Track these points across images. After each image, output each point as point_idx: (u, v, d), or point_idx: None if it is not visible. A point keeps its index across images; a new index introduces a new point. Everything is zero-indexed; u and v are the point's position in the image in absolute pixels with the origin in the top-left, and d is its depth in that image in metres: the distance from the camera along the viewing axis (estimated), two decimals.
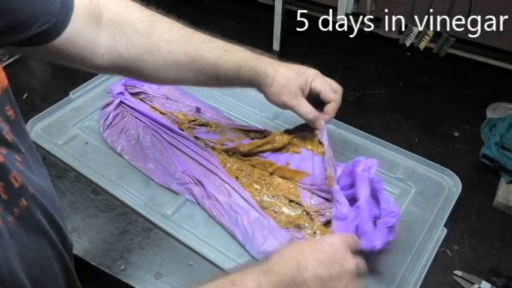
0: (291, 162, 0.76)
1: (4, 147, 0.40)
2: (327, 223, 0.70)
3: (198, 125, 0.86)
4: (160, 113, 0.88)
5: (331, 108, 0.72)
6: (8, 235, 0.39)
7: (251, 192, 0.74)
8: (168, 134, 0.83)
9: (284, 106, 0.71)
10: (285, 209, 0.72)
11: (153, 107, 0.89)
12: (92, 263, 0.67)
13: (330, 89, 0.72)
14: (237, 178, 0.76)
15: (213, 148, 0.82)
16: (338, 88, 0.73)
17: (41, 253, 0.44)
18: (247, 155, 0.79)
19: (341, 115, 0.90)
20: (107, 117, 0.86)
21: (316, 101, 0.73)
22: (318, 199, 0.73)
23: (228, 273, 0.47)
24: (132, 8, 0.63)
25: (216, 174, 0.76)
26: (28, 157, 0.45)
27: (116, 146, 0.83)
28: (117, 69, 0.63)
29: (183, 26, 0.68)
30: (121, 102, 0.89)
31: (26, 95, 0.97)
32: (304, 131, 0.76)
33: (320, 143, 0.73)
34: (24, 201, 0.41)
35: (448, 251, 0.70)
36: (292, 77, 0.69)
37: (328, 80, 0.73)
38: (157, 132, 0.84)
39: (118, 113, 0.88)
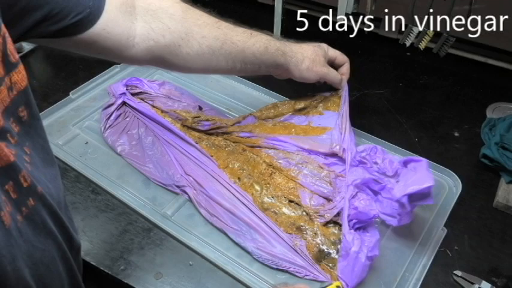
0: (313, 121, 0.82)
1: (13, 147, 0.41)
2: (327, 223, 0.70)
3: (202, 120, 0.86)
4: (162, 112, 0.88)
5: (346, 68, 0.85)
6: (17, 234, 0.39)
7: (252, 194, 0.74)
8: (169, 136, 0.83)
9: (317, 76, 0.80)
10: (285, 210, 0.72)
11: (154, 107, 0.89)
12: (92, 263, 0.68)
13: (340, 53, 0.84)
14: (238, 179, 0.76)
15: (221, 134, 0.84)
16: (342, 54, 0.85)
17: (46, 253, 0.44)
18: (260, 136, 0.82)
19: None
20: (109, 117, 0.86)
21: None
22: (317, 199, 0.73)
23: None
24: None
25: (215, 178, 0.76)
26: (38, 157, 0.45)
27: (116, 146, 0.83)
28: (153, 57, 0.64)
29: (208, 13, 0.71)
30: (124, 102, 0.89)
31: None
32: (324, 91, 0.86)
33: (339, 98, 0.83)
34: (32, 201, 0.42)
35: (448, 251, 0.70)
36: (316, 50, 0.78)
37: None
38: (158, 134, 0.84)
39: (120, 113, 0.88)
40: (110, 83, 0.98)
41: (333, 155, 0.78)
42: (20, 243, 0.39)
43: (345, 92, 0.84)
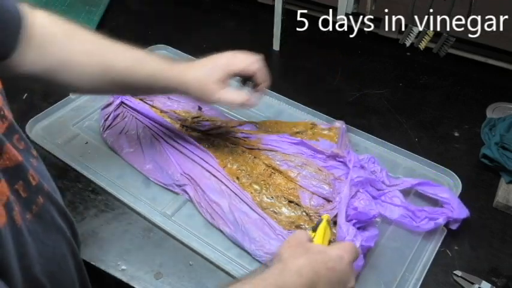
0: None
1: (21, 146, 0.42)
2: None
3: (202, 121, 0.86)
4: (161, 112, 0.88)
5: (259, 77, 0.72)
6: (27, 233, 0.40)
7: (251, 193, 0.74)
8: (168, 135, 0.83)
9: (212, 103, 0.75)
10: (284, 210, 0.72)
11: (153, 107, 0.89)
12: (92, 263, 0.67)
13: (250, 63, 0.71)
14: (237, 178, 0.76)
15: (220, 134, 0.83)
16: (254, 57, 0.72)
17: (57, 249, 0.45)
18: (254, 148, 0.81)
19: (341, 115, 0.91)
20: (107, 117, 0.86)
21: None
22: (317, 200, 0.73)
23: (238, 283, 0.47)
24: (53, 21, 0.64)
25: (215, 176, 0.76)
26: (39, 157, 0.46)
27: (116, 147, 0.83)
28: (35, 79, 0.64)
29: (102, 37, 0.69)
30: (122, 102, 0.89)
31: (26, 95, 0.97)
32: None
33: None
34: (41, 198, 0.43)
35: (448, 251, 0.70)
36: (207, 74, 0.69)
37: (242, 54, 0.72)
38: (158, 134, 0.84)
39: (118, 114, 0.88)
40: None
41: (333, 158, 0.78)
42: (30, 241, 0.40)
43: (342, 130, 0.83)
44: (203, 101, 0.74)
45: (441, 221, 0.68)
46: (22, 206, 0.40)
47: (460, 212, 0.69)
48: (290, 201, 0.73)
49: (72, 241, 0.48)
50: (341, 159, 0.77)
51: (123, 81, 0.67)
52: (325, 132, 0.84)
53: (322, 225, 0.58)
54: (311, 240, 0.55)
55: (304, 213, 0.71)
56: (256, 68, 0.71)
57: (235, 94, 0.70)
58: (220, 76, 0.69)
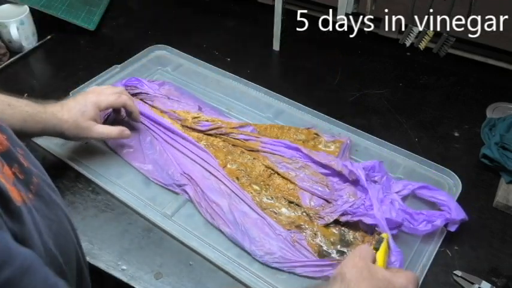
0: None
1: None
2: (327, 225, 0.70)
3: (202, 121, 0.86)
4: (161, 112, 0.88)
5: (128, 108, 0.81)
6: (35, 211, 0.41)
7: (251, 193, 0.74)
8: (167, 135, 0.83)
9: (89, 139, 0.80)
10: (284, 210, 0.72)
11: (153, 107, 0.89)
12: (92, 263, 0.67)
13: (116, 97, 0.78)
14: (237, 178, 0.76)
15: (220, 135, 0.84)
16: (119, 90, 0.81)
17: (61, 224, 0.47)
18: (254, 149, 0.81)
19: (341, 115, 0.91)
20: (107, 117, 0.86)
21: None
22: (317, 200, 0.73)
23: None
24: None
25: (215, 176, 0.76)
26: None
27: (116, 147, 0.83)
28: None
29: None
30: None
31: (26, 95, 0.97)
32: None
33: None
34: (35, 178, 0.45)
35: (448, 251, 0.70)
36: (80, 113, 0.74)
37: (107, 89, 0.80)
38: (157, 134, 0.84)
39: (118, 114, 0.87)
40: (110, 82, 0.98)
41: (330, 168, 0.77)
42: (39, 219, 0.42)
43: (345, 146, 0.83)
44: (81, 139, 0.78)
45: (439, 223, 0.68)
46: (23, 187, 0.41)
47: (458, 213, 0.69)
48: (290, 202, 0.73)
49: (69, 216, 0.50)
50: (347, 176, 0.75)
51: None
52: (329, 145, 0.83)
53: (384, 245, 0.58)
54: (375, 259, 0.55)
55: (304, 214, 0.72)
56: (123, 101, 0.79)
57: (110, 128, 0.77)
58: (93, 114, 0.75)
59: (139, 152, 0.82)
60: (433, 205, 0.74)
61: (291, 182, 0.75)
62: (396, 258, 0.61)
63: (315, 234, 0.69)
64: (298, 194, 0.74)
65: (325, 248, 0.67)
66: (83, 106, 0.74)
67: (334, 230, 0.70)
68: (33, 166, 0.46)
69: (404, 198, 0.74)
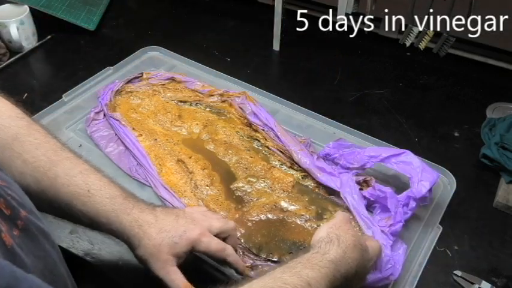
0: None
1: None
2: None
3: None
4: (133, 129, 0.85)
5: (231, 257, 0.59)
6: (19, 250, 0.38)
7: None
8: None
9: (153, 275, 0.56)
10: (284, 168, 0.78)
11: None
12: (92, 263, 0.67)
13: (218, 245, 0.57)
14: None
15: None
16: (225, 225, 0.60)
17: (48, 259, 0.43)
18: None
19: (341, 115, 0.91)
20: (89, 123, 0.87)
21: None
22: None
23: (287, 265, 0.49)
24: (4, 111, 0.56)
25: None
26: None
27: (105, 150, 0.84)
28: None
29: (55, 146, 0.57)
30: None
31: (26, 95, 0.97)
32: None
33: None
34: (23, 212, 0.40)
35: (448, 251, 0.70)
36: (164, 243, 0.55)
37: (215, 221, 0.59)
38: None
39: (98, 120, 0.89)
40: (103, 84, 0.97)
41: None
42: (23, 257, 0.38)
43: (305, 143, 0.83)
44: (145, 266, 0.57)
45: (412, 205, 0.68)
46: (8, 224, 0.38)
47: (420, 189, 0.67)
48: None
49: (56, 245, 0.45)
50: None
51: (62, 207, 0.56)
52: None
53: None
54: None
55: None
56: (228, 253, 0.59)
57: (181, 281, 0.55)
58: (178, 252, 0.56)
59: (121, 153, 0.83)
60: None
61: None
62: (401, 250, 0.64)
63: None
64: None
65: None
66: (178, 237, 0.55)
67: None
68: (18, 194, 0.42)
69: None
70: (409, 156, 0.71)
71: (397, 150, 0.73)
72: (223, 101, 0.91)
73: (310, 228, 0.69)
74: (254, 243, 0.67)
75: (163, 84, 0.94)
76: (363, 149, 0.75)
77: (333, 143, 0.79)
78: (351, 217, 0.67)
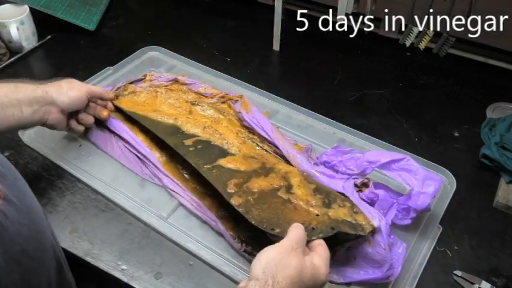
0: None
1: None
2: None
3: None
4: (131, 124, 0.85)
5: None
6: (3, 217, 0.41)
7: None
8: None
9: (84, 93, 0.77)
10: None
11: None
12: (92, 263, 0.67)
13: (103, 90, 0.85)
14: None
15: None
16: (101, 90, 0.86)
17: (32, 226, 0.45)
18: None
19: (341, 115, 0.91)
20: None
21: None
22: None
23: None
24: None
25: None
26: None
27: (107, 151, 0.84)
28: None
29: None
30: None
31: None
32: None
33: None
34: (3, 182, 0.44)
35: (447, 251, 0.70)
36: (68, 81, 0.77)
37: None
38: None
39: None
40: (103, 84, 0.97)
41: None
42: (8, 225, 0.41)
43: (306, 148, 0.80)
44: (75, 94, 0.75)
45: (413, 214, 0.67)
46: None
47: (422, 203, 0.66)
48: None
49: (42, 213, 0.49)
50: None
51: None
52: None
53: None
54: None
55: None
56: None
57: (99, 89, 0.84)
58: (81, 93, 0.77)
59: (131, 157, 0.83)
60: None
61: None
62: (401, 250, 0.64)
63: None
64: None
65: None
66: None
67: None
68: (1, 167, 0.45)
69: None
70: (409, 162, 0.69)
71: (397, 155, 0.70)
72: (223, 102, 0.91)
73: (316, 212, 0.64)
74: (254, 216, 0.62)
75: (166, 86, 0.93)
76: (362, 153, 0.72)
77: (331, 150, 0.76)
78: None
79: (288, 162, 0.76)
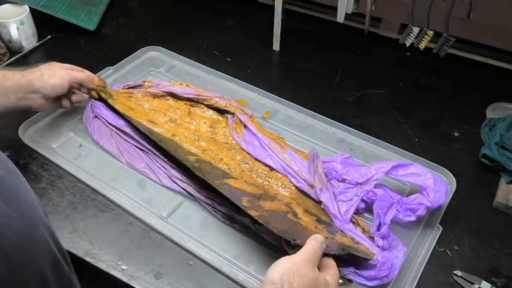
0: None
1: None
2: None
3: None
4: (130, 109, 0.86)
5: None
6: None
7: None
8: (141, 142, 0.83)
9: (66, 80, 0.82)
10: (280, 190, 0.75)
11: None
12: (91, 262, 0.67)
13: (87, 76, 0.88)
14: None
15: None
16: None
17: (24, 219, 0.44)
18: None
19: (341, 115, 0.91)
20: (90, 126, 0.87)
21: None
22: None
23: None
24: None
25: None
26: None
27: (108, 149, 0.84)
28: None
29: None
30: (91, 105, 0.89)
31: None
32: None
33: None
34: None
35: (447, 251, 0.70)
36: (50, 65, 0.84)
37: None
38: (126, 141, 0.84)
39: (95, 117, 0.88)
40: None
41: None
42: None
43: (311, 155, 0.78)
44: (56, 82, 0.80)
45: (421, 212, 0.68)
46: None
47: (437, 200, 0.68)
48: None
49: (36, 204, 0.47)
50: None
51: None
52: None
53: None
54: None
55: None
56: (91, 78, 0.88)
57: (84, 72, 0.88)
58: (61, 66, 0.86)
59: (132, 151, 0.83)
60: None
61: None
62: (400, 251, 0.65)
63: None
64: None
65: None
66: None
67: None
68: None
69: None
70: (417, 168, 0.71)
71: (404, 162, 0.72)
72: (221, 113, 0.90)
73: (324, 235, 0.65)
74: (274, 226, 0.62)
75: (163, 96, 0.92)
76: (370, 165, 0.74)
77: (341, 159, 0.76)
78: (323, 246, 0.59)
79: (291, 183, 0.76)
